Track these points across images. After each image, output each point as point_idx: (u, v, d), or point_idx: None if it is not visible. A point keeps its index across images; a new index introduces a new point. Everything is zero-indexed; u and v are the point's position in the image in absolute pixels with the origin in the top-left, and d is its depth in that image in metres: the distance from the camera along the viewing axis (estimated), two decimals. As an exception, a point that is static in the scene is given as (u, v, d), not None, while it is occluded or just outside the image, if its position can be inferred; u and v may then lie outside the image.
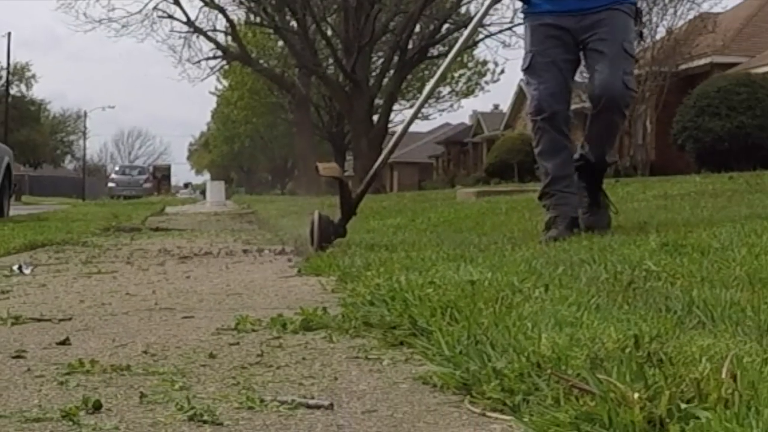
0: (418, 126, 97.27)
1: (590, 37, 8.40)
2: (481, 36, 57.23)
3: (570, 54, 8.70)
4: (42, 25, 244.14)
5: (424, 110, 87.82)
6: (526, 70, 8.77)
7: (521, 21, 53.29)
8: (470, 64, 78.15)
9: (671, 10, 50.08)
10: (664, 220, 10.27)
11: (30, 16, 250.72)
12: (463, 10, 55.90)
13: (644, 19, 10.08)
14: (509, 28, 55.83)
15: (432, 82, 9.16)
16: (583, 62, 8.96)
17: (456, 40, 59.24)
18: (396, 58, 55.87)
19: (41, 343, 5.03)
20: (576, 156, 8.83)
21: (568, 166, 8.69)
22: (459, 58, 66.78)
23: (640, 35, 8.90)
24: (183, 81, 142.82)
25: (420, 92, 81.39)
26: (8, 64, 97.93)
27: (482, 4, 39.04)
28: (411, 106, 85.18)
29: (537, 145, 8.93)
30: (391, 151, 8.85)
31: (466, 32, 9.33)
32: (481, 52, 68.92)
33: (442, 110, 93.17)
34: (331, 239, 8.25)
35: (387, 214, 15.10)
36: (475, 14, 55.56)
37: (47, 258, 10.82)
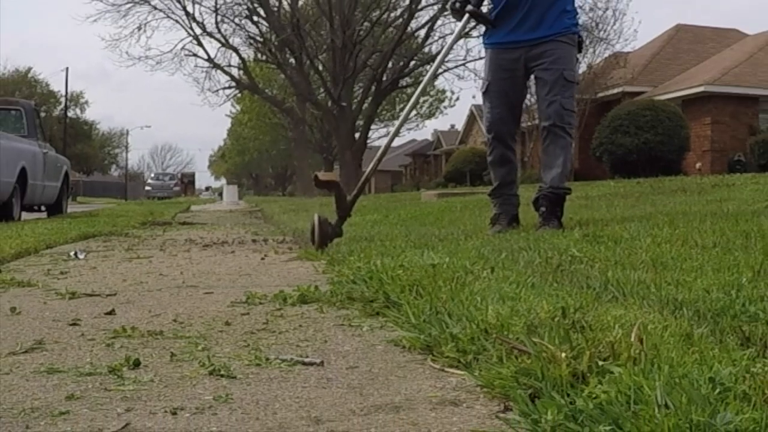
0: (397, 141, 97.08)
1: (537, 66, 8.43)
2: (441, 70, 57.09)
3: (519, 84, 8.73)
4: (94, 62, 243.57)
5: (393, 125, 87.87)
6: (484, 93, 8.79)
7: (473, 58, 53.32)
8: (432, 93, 78.03)
9: (591, 50, 50.17)
10: (585, 216, 10.26)
11: (85, 54, 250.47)
12: (426, 49, 55.81)
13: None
14: (462, 64, 55.63)
15: (407, 108, 9.06)
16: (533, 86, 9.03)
17: (420, 73, 59.42)
18: (373, 88, 55.66)
19: (92, 313, 5.03)
20: (535, 193, 8.81)
21: (512, 175, 8.89)
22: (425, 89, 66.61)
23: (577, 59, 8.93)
24: (204, 106, 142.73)
25: (392, 115, 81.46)
26: (66, 92, 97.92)
27: (443, 46, 39.02)
28: (385, 126, 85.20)
29: (489, 156, 9.02)
30: (376, 164, 8.80)
31: (431, 69, 9.29)
32: (440, 83, 68.95)
33: (410, 129, 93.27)
34: (330, 239, 8.08)
35: (366, 212, 15.03)
36: (438, 53, 55.80)
37: (97, 246, 10.78)
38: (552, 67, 8.33)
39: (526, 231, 8.36)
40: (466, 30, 8.55)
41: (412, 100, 8.61)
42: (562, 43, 8.39)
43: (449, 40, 43.70)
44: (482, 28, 8.95)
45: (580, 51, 8.86)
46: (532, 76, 8.72)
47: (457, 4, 8.40)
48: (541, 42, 8.37)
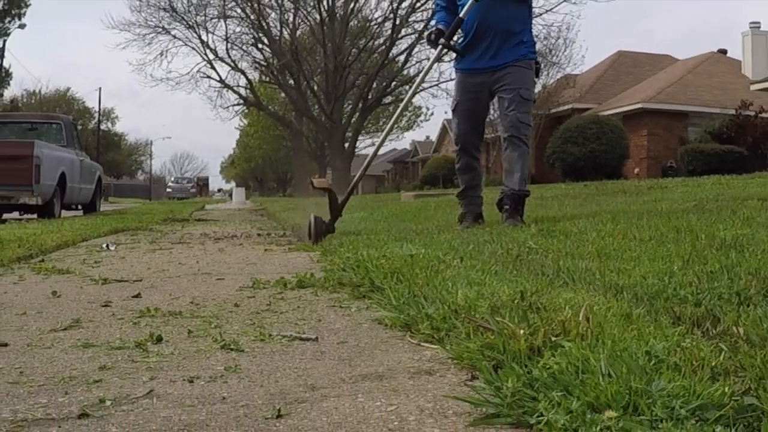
0: (380, 149, 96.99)
1: (499, 87, 8.69)
2: (418, 90, 57.18)
3: (483, 104, 9.04)
4: (124, 82, 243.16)
5: (377, 137, 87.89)
6: (453, 111, 9.10)
7: (445, 80, 53.25)
8: (410, 109, 78.08)
9: (545, 73, 50.21)
10: (540, 214, 10.26)
11: (116, 76, 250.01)
12: (405, 72, 55.81)
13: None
14: (436, 85, 55.61)
15: (389, 124, 9.02)
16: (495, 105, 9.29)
17: (401, 92, 59.40)
18: (360, 105, 55.61)
19: (121, 296, 5.02)
20: (499, 195, 9.02)
21: (476, 180, 9.19)
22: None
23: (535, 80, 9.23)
24: (217, 120, 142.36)
25: (376, 128, 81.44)
26: (99, 109, 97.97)
27: (420, 70, 38.93)
28: (370, 137, 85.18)
29: (457, 164, 9.36)
30: (363, 172, 9.03)
31: (410, 91, 9.75)
32: (417, 100, 68.99)
33: (392, 140, 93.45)
34: (324, 235, 8.25)
35: (354, 210, 15.00)
36: (416, 76, 55.86)
37: (125, 239, 10.77)
38: (510, 87, 8.59)
39: (490, 227, 8.38)
40: (440, 57, 8.62)
41: (394, 117, 8.83)
42: (519, 68, 8.68)
43: (425, 64, 43.34)
44: (453, 55, 9.10)
45: (537, 75, 9.16)
46: (496, 97, 8.91)
47: (433, 36, 8.73)
48: (502, 68, 8.65)
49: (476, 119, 9.09)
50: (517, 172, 8.71)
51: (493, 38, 8.65)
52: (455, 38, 8.92)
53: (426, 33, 9.06)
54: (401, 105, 9.10)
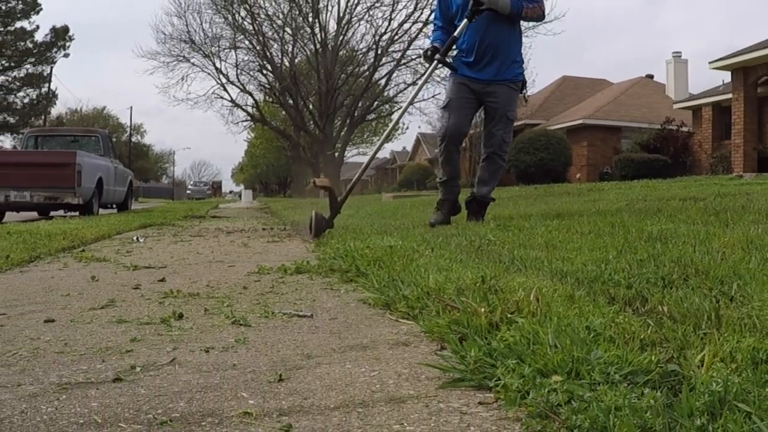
0: (364, 158, 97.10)
1: (488, 102, 8.44)
2: (395, 108, 57.19)
3: (472, 106, 8.61)
4: (151, 102, 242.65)
5: (365, 149, 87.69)
6: (444, 107, 8.62)
7: (418, 101, 53.13)
8: (390, 124, 78.17)
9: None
10: (498, 212, 10.26)
11: (145, 97, 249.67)
12: (385, 93, 55.87)
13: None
14: (410, 105, 55.70)
15: (385, 134, 8.87)
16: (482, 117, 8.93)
17: (382, 111, 59.48)
18: (348, 121, 55.59)
19: (149, 280, 5.00)
20: (468, 196, 8.83)
21: (456, 171, 8.72)
22: (384, 120, 66.71)
23: (525, 99, 9.09)
24: (228, 133, 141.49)
25: (361, 139, 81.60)
26: (131, 124, 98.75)
27: (397, 92, 38.50)
28: (356, 147, 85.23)
29: (440, 156, 8.82)
30: (360, 175, 8.75)
31: (405, 104, 9.22)
32: (396, 117, 69.16)
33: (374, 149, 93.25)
34: (324, 230, 7.90)
35: (342, 209, 15.02)
36: (396, 96, 56.02)
37: (152, 233, 10.74)
38: (498, 107, 8.38)
39: (456, 223, 8.39)
40: (434, 71, 8.38)
41: (389, 127, 8.58)
42: (509, 89, 8.44)
43: (402, 87, 43.15)
44: (446, 71, 8.87)
45: (524, 87, 8.83)
46: (483, 108, 8.68)
47: (429, 52, 8.41)
48: (496, 83, 8.38)
49: (465, 116, 8.57)
50: (490, 184, 8.66)
51: (490, 54, 8.35)
52: (451, 53, 8.60)
53: (423, 50, 8.80)
54: (396, 117, 8.91)
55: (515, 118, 8.70)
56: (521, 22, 8.57)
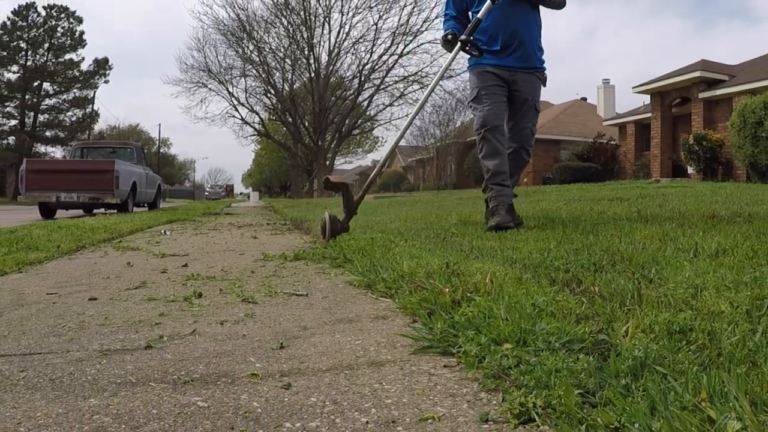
0: (350, 165, 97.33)
1: (514, 92, 6.50)
2: (376, 125, 57.27)
3: (504, 93, 6.49)
4: (177, 119, 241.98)
5: (351, 158, 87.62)
6: (474, 100, 6.53)
7: (396, 117, 53.10)
8: (371, 137, 77.96)
9: (463, 112, 50.27)
10: (460, 210, 10.27)
11: (171, 115, 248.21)
12: (368, 113, 55.88)
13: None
14: (389, 122, 55.77)
15: (395, 140, 8.45)
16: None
17: (364, 127, 59.47)
18: (337, 135, 55.53)
19: (174, 266, 4.98)
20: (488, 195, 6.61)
21: (504, 165, 6.41)
22: (368, 133, 66.80)
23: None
24: (239, 145, 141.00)
25: (348, 150, 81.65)
26: (159, 138, 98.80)
27: (378, 112, 38.02)
28: (344, 157, 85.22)
29: (480, 151, 6.51)
30: (379, 170, 7.00)
31: (429, 89, 6.84)
32: (376, 132, 69.17)
33: (358, 158, 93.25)
34: (338, 233, 6.10)
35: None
36: (377, 115, 56.02)
37: (176, 227, 10.70)
38: (526, 97, 6.51)
39: (431, 223, 8.36)
40: (457, 54, 6.08)
41: (410, 118, 6.57)
42: (537, 79, 6.61)
43: (381, 107, 43.06)
44: (468, 58, 6.70)
45: (544, 84, 6.76)
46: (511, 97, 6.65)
47: (449, 37, 6.46)
48: (522, 71, 6.50)
49: (501, 103, 6.51)
50: (515, 178, 6.71)
51: (516, 40, 6.44)
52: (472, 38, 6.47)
53: (442, 35, 6.24)
54: (415, 109, 6.36)
55: (540, 110, 6.79)
56: (541, 8, 6.71)
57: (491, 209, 6.37)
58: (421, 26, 48.91)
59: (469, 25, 6.37)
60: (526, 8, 6.49)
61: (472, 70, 6.65)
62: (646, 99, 33.01)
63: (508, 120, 6.65)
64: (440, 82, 41.24)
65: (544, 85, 6.73)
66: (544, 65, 6.71)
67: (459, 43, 6.35)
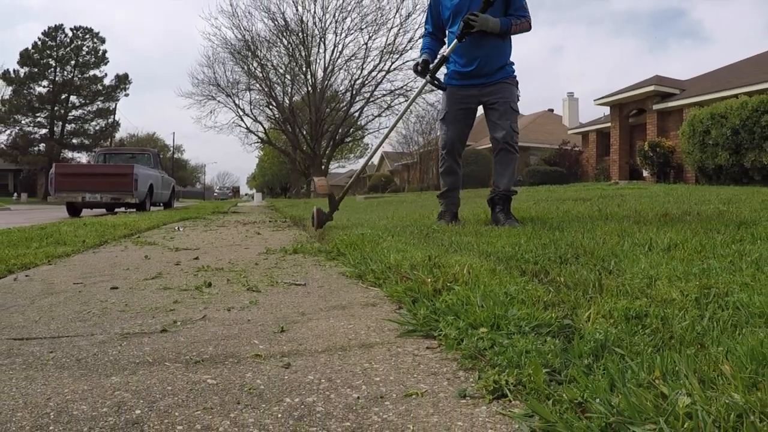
0: (343, 169, 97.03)
1: (489, 100, 6.55)
2: (366, 133, 57.22)
3: (471, 114, 6.81)
4: (189, 128, 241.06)
5: (344, 162, 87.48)
6: (442, 120, 6.84)
7: (383, 127, 53.09)
8: (360, 144, 77.87)
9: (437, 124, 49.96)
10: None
11: (184, 124, 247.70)
12: (359, 123, 55.84)
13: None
14: (377, 130, 55.72)
15: (380, 141, 8.46)
16: (484, 116, 6.83)
17: (356, 135, 59.37)
18: (331, 143, 55.40)
19: (186, 258, 4.97)
20: (490, 194, 6.74)
21: (456, 183, 6.95)
22: (359, 140, 66.68)
23: (517, 98, 6.65)
24: (244, 151, 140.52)
25: (342, 155, 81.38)
26: (173, 145, 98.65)
27: (368, 121, 37.85)
28: (337, 161, 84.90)
29: (441, 167, 6.96)
30: (355, 179, 7.44)
31: (403, 110, 7.00)
32: (366, 140, 68.99)
33: (351, 163, 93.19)
34: (325, 222, 6.99)
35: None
36: (368, 124, 55.98)
37: (189, 224, 10.67)
38: (501, 100, 6.52)
39: (415, 221, 8.35)
40: (422, 90, 6.34)
41: (383, 137, 7.02)
42: (507, 84, 6.58)
43: (370, 117, 42.81)
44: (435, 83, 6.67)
45: (517, 88, 6.72)
46: (485, 108, 6.75)
47: (419, 68, 6.56)
48: (492, 84, 6.56)
49: (463, 127, 6.85)
50: (508, 176, 6.62)
51: (484, 63, 6.52)
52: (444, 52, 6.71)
53: (414, 65, 6.39)
54: (390, 126, 6.59)
55: (518, 110, 6.78)
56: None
57: (441, 213, 7.04)
58: (406, 45, 48.61)
59: (434, 62, 6.54)
60: (495, 38, 6.49)
61: (447, 87, 6.73)
62: (606, 110, 33.08)
63: (488, 124, 6.72)
64: (422, 95, 41.32)
65: (517, 89, 6.73)
66: (515, 73, 6.72)
67: (425, 82, 6.58)
